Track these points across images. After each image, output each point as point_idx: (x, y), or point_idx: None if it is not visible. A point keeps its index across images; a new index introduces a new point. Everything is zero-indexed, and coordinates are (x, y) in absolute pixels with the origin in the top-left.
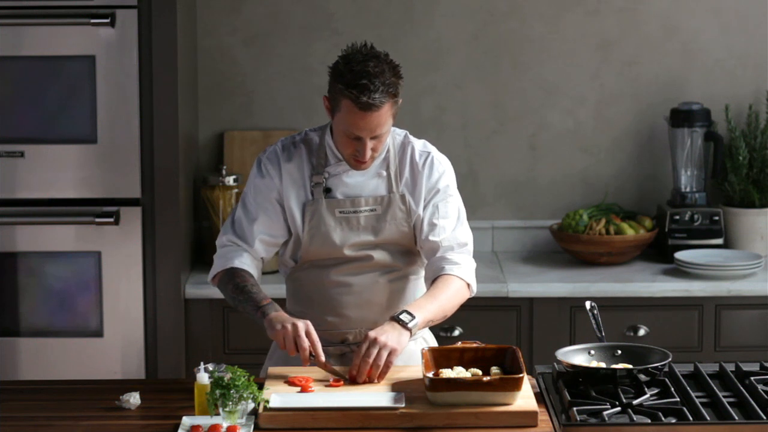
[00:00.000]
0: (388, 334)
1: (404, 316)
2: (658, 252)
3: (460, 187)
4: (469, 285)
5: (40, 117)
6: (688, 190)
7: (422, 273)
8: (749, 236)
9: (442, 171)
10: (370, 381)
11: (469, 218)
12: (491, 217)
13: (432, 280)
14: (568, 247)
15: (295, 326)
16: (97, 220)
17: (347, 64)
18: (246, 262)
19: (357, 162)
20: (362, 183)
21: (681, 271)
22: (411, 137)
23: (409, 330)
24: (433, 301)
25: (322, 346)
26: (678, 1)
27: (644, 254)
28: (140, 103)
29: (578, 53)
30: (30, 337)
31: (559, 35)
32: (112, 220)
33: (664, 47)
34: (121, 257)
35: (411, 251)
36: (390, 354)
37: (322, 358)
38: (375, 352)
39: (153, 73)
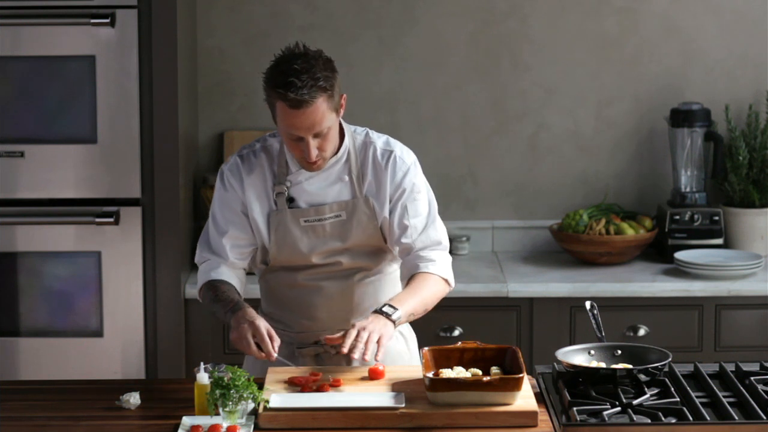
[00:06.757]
0: (373, 324)
1: (387, 309)
2: (658, 252)
3: (460, 187)
4: (446, 280)
5: (40, 117)
6: (688, 190)
7: (393, 269)
8: (749, 236)
9: (406, 169)
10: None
11: (469, 218)
12: (491, 217)
13: (408, 279)
14: (568, 247)
15: (243, 328)
16: (97, 220)
17: (276, 66)
18: (223, 273)
19: (307, 163)
20: (325, 189)
21: (681, 271)
22: (372, 135)
23: (393, 321)
24: (414, 295)
25: (296, 347)
26: (678, 1)
27: (644, 254)
28: (140, 103)
29: (578, 53)
30: (30, 337)
31: (559, 35)
32: (112, 220)
33: (664, 47)
34: (121, 257)
35: (381, 249)
36: (379, 337)
37: (273, 356)
38: (366, 336)
39: (153, 73)
